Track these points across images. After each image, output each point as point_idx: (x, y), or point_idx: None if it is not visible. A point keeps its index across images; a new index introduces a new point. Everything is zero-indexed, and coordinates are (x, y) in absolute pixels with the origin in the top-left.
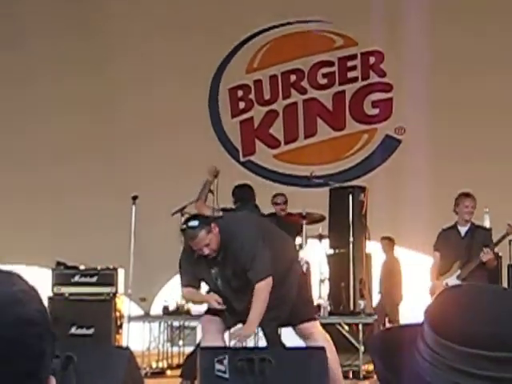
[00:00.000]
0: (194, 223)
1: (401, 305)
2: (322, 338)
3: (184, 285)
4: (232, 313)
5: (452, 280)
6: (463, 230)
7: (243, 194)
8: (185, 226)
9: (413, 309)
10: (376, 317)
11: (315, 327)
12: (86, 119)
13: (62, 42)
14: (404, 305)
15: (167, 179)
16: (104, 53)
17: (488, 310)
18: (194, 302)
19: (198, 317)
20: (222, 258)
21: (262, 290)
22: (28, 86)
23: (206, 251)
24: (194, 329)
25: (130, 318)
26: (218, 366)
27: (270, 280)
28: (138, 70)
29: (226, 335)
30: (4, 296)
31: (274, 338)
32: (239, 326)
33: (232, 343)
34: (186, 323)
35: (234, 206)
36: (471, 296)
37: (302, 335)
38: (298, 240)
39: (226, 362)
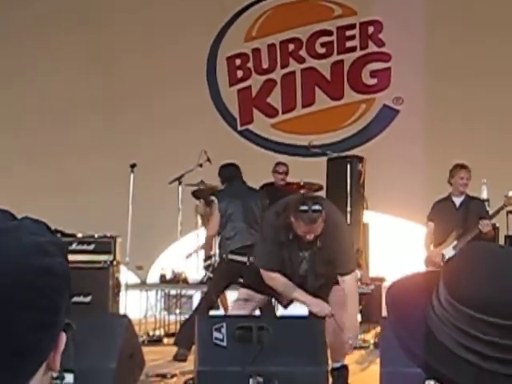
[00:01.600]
0: (319, 207)
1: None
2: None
3: (272, 269)
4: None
5: (448, 251)
6: (458, 201)
7: (229, 172)
8: (306, 208)
9: None
10: (373, 287)
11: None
12: (84, 80)
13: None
14: (403, 273)
15: (165, 147)
16: (103, 15)
17: (503, 277)
18: (285, 294)
19: (194, 285)
20: (321, 243)
21: (353, 284)
22: (25, 46)
23: (312, 237)
24: (190, 297)
25: (128, 286)
26: (215, 334)
27: (355, 275)
28: (136, 36)
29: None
30: (34, 245)
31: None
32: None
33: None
34: (183, 291)
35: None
36: (490, 259)
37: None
38: None
39: (223, 330)
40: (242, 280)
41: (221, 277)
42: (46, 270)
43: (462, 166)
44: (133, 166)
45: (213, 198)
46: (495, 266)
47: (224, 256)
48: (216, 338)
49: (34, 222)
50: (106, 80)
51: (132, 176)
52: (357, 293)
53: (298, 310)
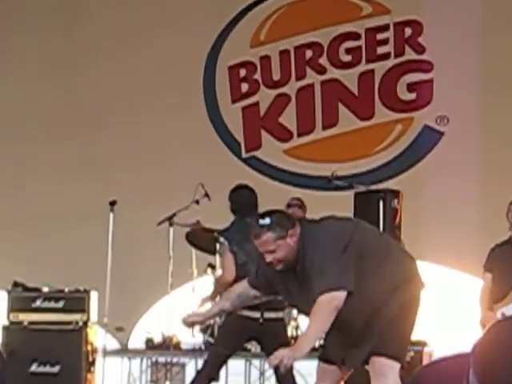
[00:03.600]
0: (266, 221)
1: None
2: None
3: (249, 282)
4: (335, 347)
5: (510, 309)
6: None
7: (246, 199)
8: (254, 222)
9: (461, 343)
10: (412, 354)
11: (391, 369)
12: (54, 94)
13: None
14: (450, 337)
15: (152, 180)
16: (76, 11)
17: None
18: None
19: (189, 352)
20: (301, 269)
21: (323, 304)
22: None
23: (269, 258)
24: (183, 366)
25: (106, 353)
26: None
27: (339, 295)
28: (115, 40)
29: None
30: None
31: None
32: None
33: (272, 362)
34: (174, 359)
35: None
36: None
37: (372, 372)
38: None
39: None
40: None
41: (230, 335)
42: None
43: None
44: (112, 203)
45: (221, 239)
46: None
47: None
48: None
49: None
50: (81, 95)
51: (112, 215)
52: (324, 314)
53: None
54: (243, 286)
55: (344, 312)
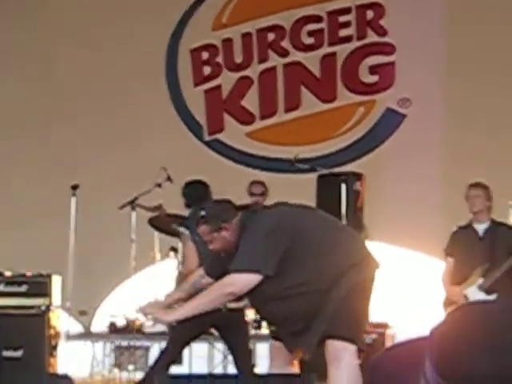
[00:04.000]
0: (202, 213)
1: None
2: (346, 372)
3: (206, 272)
4: (285, 336)
5: (473, 291)
6: (481, 228)
7: (197, 193)
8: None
9: (423, 324)
10: (374, 336)
11: (345, 350)
12: (13, 78)
13: None
14: (413, 319)
15: (114, 163)
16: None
17: (498, 345)
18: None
19: (152, 335)
20: None
21: (219, 285)
22: None
23: (210, 247)
24: (147, 349)
25: (68, 337)
26: None
27: (245, 278)
28: (76, 24)
29: None
30: None
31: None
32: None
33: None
34: (138, 343)
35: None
36: (484, 323)
37: (326, 356)
38: None
39: None
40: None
41: (192, 323)
42: None
43: (473, 185)
44: (74, 187)
45: (182, 229)
46: (489, 336)
47: None
48: None
49: None
50: (41, 80)
51: (74, 200)
52: (214, 294)
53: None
54: (197, 275)
55: (284, 297)
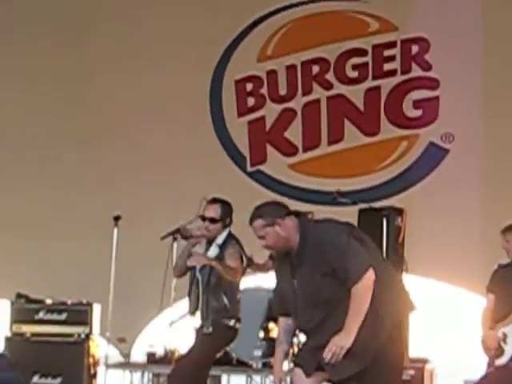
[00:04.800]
0: (255, 211)
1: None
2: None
3: (277, 312)
4: (311, 351)
5: (510, 329)
6: None
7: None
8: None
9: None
10: (413, 372)
11: None
12: (52, 104)
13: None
14: (452, 355)
15: (156, 194)
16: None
17: None
18: None
19: None
20: (298, 258)
21: (361, 288)
22: None
23: (262, 243)
24: None
25: (108, 366)
26: None
27: (369, 274)
28: (119, 52)
29: None
30: None
31: None
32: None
33: (326, 355)
34: None
35: None
36: None
37: None
38: None
39: None
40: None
41: (221, 344)
42: None
43: (505, 230)
44: (117, 218)
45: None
46: None
47: (232, 322)
48: None
49: None
50: (87, 108)
51: (116, 230)
52: (363, 298)
53: None
54: (283, 325)
55: (337, 303)
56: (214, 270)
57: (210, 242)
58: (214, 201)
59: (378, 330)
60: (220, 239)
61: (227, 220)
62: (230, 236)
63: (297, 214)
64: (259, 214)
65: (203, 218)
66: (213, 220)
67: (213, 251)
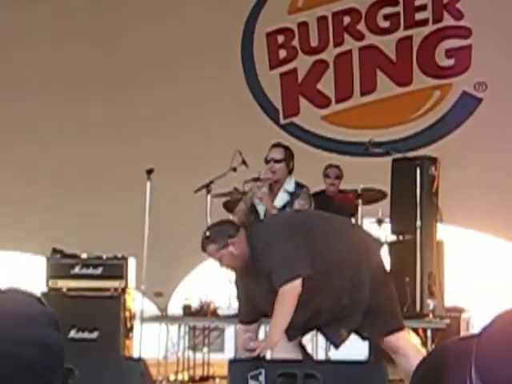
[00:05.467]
0: (207, 233)
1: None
2: (412, 354)
3: (239, 320)
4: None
5: None
6: None
7: None
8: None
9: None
10: (448, 321)
11: (402, 339)
12: (83, 57)
13: None
14: (489, 304)
15: (189, 147)
16: None
17: None
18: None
19: (227, 318)
20: (255, 268)
21: (285, 294)
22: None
23: (221, 266)
24: (222, 331)
25: (143, 319)
26: (252, 383)
27: (295, 284)
28: (150, 4)
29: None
30: (22, 315)
31: None
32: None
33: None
34: (213, 325)
35: None
36: None
37: (388, 350)
38: None
39: (261, 377)
40: None
41: None
42: (37, 343)
43: None
44: (149, 171)
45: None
46: None
47: None
48: None
49: (21, 293)
50: (112, 59)
51: (149, 184)
52: (285, 304)
53: (348, 351)
54: (242, 339)
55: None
56: None
57: (272, 189)
58: (278, 145)
59: (358, 291)
60: (289, 186)
61: (291, 163)
62: (300, 185)
63: (244, 225)
64: (211, 240)
65: (267, 161)
66: (278, 161)
67: (281, 198)
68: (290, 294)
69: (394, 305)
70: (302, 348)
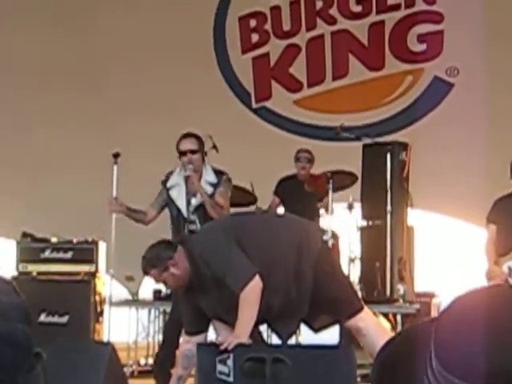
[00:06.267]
0: (146, 259)
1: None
2: (375, 332)
3: (184, 331)
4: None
5: None
6: None
7: None
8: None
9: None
10: (418, 306)
11: (362, 320)
12: (54, 42)
13: None
14: (458, 288)
15: (158, 131)
16: None
17: (504, 340)
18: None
19: None
20: (200, 284)
21: (247, 295)
22: None
23: (166, 287)
24: None
25: (113, 303)
26: (220, 368)
27: (254, 282)
28: None
29: None
30: None
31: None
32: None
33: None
34: None
35: None
36: (491, 315)
37: (354, 334)
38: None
39: (230, 362)
40: None
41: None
42: (4, 340)
43: None
44: (116, 155)
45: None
46: (496, 326)
47: None
48: (220, 372)
49: None
50: (83, 42)
51: (115, 167)
52: (252, 304)
53: (320, 336)
54: (185, 349)
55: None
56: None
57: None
58: (190, 134)
59: (302, 282)
60: (209, 176)
61: (204, 151)
62: (219, 172)
63: (181, 241)
64: (152, 264)
65: (181, 153)
66: (194, 151)
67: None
68: (252, 293)
69: (347, 291)
70: (259, 333)
